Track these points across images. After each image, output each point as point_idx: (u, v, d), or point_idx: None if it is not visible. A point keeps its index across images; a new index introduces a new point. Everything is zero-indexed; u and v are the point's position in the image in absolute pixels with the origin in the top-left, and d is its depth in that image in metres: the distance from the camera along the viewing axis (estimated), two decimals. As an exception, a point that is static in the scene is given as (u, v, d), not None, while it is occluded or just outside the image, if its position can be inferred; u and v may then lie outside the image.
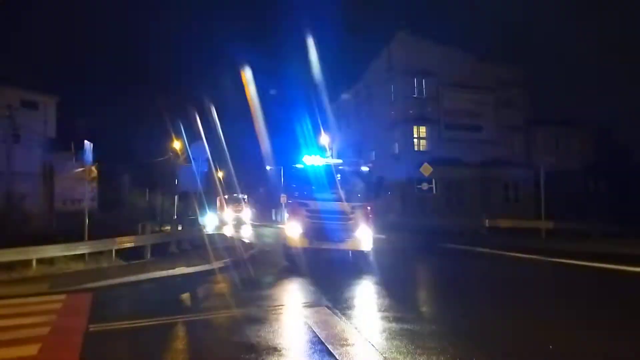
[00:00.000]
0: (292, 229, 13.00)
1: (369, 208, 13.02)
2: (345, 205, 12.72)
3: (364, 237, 12.72)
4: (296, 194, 13.49)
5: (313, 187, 13.15)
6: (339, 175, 13.15)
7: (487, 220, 23.11)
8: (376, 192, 14.12)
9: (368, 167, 14.17)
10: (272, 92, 38.34)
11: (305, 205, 12.96)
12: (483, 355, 5.73)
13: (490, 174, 30.00)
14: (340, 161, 14.40)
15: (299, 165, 13.70)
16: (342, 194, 12.79)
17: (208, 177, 38.59)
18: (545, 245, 17.77)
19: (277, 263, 14.23)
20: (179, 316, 7.92)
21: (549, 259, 14.26)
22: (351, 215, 12.70)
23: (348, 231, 12.65)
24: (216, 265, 13.52)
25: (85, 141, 15.64)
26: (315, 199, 12.94)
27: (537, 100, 33.99)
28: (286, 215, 15.14)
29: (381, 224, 29.26)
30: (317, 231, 12.65)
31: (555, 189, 22.66)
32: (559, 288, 10.60)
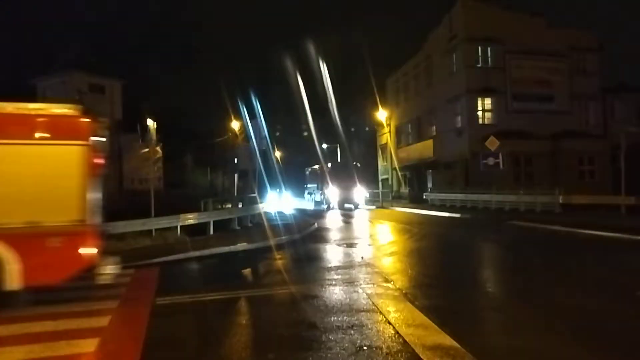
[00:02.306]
0: None
1: None
2: None
3: None
4: None
5: None
6: None
7: (560, 197, 21.59)
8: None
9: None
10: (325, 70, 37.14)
11: None
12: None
13: (562, 147, 28.07)
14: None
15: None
16: None
17: (266, 156, 38.92)
18: (626, 222, 16.27)
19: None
20: (241, 291, 7.87)
21: (633, 237, 13.00)
22: None
23: None
24: (276, 241, 13.51)
25: (149, 121, 15.99)
26: None
27: (613, 66, 31.32)
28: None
29: (439, 203, 28.51)
30: None
31: (636, 163, 20.77)
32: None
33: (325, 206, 31.10)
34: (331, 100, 38.32)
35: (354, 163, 35.18)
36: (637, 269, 9.41)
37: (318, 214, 26.35)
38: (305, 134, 52.63)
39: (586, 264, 10.20)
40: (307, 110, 40.30)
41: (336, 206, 29.91)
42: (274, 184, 38.69)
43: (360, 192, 30.80)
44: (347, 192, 30.07)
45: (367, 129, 51.09)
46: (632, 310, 6.36)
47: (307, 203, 36.01)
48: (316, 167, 36.60)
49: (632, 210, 19.54)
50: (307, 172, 39.27)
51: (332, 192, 30.45)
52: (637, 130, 21.09)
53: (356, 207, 30.06)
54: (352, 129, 54.65)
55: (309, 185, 37.64)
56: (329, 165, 33.11)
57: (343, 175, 30.65)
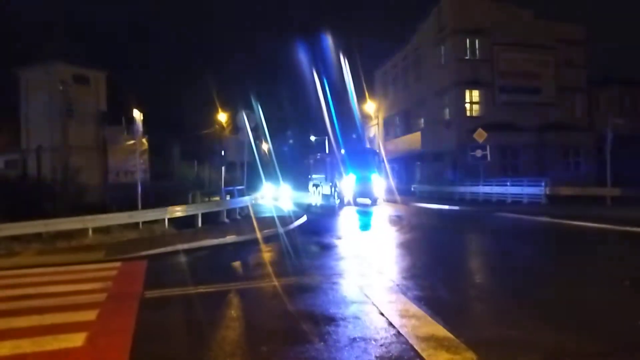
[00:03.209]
0: None
1: None
2: None
3: None
4: None
5: None
6: None
7: (546, 188, 21.80)
8: None
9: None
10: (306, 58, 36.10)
11: None
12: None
13: (548, 139, 28.33)
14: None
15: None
16: None
17: (258, 149, 38.10)
18: (611, 213, 16.49)
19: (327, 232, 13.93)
20: (231, 284, 7.78)
21: (618, 228, 13.16)
22: None
23: None
24: (265, 234, 13.42)
25: (135, 112, 15.74)
26: None
27: (600, 59, 31.65)
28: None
29: (428, 195, 28.54)
30: None
31: (621, 155, 21.05)
32: (631, 259, 9.70)
33: (336, 200, 25.99)
34: (319, 91, 37.98)
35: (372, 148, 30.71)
36: (623, 259, 9.51)
37: (329, 212, 22.32)
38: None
39: (573, 254, 10.28)
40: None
41: (350, 201, 24.81)
42: (270, 175, 36.17)
43: (380, 184, 25.67)
44: (365, 184, 24.97)
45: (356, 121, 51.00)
46: (621, 300, 6.42)
47: (312, 197, 30.09)
48: (324, 154, 31.45)
49: (617, 202, 19.83)
50: (312, 161, 33.23)
51: (347, 183, 25.08)
52: (622, 123, 21.32)
53: (374, 202, 25.27)
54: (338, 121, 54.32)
55: (314, 176, 31.47)
56: (342, 151, 27.52)
57: (359, 162, 25.63)
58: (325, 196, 28.08)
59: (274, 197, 32.15)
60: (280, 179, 34.73)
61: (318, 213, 21.80)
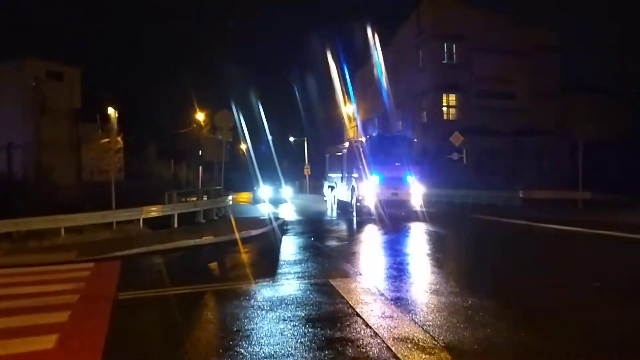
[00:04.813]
0: None
1: None
2: None
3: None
4: None
5: None
6: None
7: (521, 191, 22.24)
8: None
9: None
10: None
11: None
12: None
13: (523, 144, 28.93)
14: None
15: None
16: None
17: (262, 146, 36.58)
18: (583, 216, 16.96)
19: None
20: (207, 285, 7.71)
21: (589, 231, 13.53)
22: None
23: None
24: (243, 235, 13.33)
25: (110, 110, 15.50)
26: None
27: (574, 66, 32.45)
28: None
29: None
30: None
31: (592, 160, 21.67)
32: (601, 261, 9.97)
33: (353, 211, 18.92)
34: (299, 92, 37.83)
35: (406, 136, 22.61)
36: (594, 261, 9.77)
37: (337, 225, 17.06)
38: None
39: (546, 256, 10.52)
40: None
41: (371, 207, 17.70)
42: (269, 176, 33.43)
43: (416, 186, 18.19)
44: (395, 184, 17.93)
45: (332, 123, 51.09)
46: (594, 301, 6.59)
47: (328, 203, 23.42)
48: (345, 145, 22.09)
49: (588, 205, 20.39)
50: (328, 156, 24.41)
51: (368, 185, 17.84)
52: (593, 129, 21.91)
53: (407, 212, 18.07)
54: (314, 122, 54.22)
55: (330, 176, 23.62)
56: (362, 139, 20.39)
57: (388, 155, 18.49)
58: (341, 203, 21.17)
59: (273, 200, 29.93)
60: (282, 181, 31.58)
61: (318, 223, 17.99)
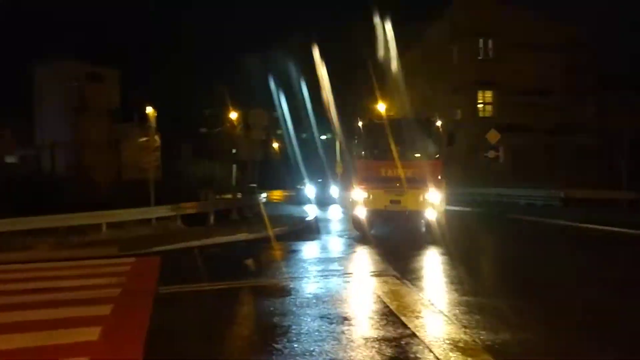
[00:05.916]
0: None
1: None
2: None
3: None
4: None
5: None
6: None
7: (561, 191, 21.45)
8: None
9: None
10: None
11: None
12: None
13: (560, 141, 28.05)
14: None
15: None
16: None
17: (281, 147, 36.49)
18: (629, 217, 16.14)
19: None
20: (243, 280, 7.78)
21: (636, 232, 12.91)
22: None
23: None
24: (277, 232, 13.40)
25: (149, 109, 15.87)
26: None
27: (609, 62, 31.15)
28: None
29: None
30: None
31: (635, 158, 20.80)
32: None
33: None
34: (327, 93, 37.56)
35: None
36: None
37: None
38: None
39: (588, 258, 10.12)
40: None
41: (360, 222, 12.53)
42: (314, 173, 30.21)
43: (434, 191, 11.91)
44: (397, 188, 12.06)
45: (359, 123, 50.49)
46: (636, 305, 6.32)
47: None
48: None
49: (632, 205, 19.53)
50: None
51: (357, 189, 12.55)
52: (631, 127, 21.03)
53: (425, 226, 12.35)
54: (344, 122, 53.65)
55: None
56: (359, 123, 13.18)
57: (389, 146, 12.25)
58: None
59: (319, 200, 26.30)
60: (329, 176, 27.44)
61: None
